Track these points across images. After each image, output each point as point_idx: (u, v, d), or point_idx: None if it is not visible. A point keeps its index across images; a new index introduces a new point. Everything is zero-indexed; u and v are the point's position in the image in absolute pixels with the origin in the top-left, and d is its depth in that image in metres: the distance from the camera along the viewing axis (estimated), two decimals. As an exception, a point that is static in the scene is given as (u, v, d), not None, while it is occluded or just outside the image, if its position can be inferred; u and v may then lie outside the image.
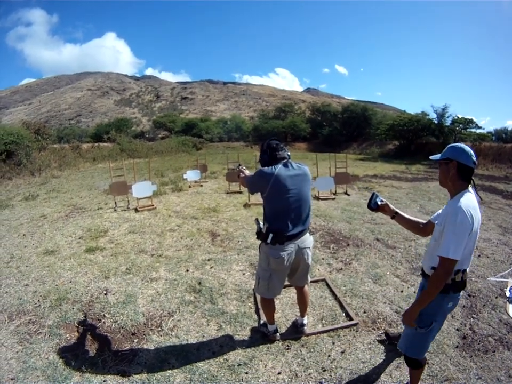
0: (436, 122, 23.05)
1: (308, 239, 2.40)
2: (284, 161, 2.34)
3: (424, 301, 1.70)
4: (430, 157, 1.88)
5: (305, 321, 2.71)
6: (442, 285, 1.63)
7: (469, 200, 1.64)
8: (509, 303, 3.15)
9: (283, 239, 2.25)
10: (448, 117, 22.66)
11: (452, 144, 1.76)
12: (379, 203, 2.06)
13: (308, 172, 2.39)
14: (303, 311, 2.72)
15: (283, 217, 2.27)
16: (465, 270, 1.71)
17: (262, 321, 2.76)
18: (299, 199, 2.28)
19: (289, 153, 2.44)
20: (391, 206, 2.09)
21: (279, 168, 2.27)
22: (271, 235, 2.26)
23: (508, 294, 3.34)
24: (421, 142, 24.10)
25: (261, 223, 2.38)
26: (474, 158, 1.68)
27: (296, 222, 2.29)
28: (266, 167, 2.33)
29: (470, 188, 1.71)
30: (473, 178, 1.72)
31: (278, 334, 2.63)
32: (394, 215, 2.08)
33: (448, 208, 1.70)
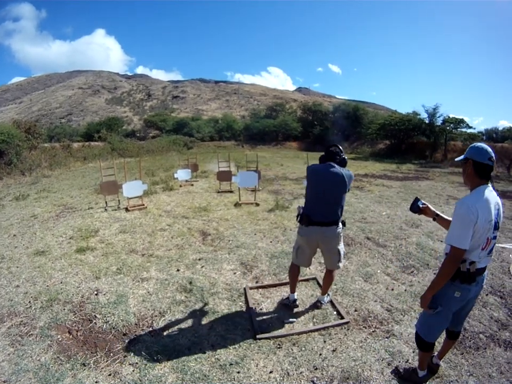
0: (426, 122, 23.31)
1: (329, 231, 2.72)
2: (327, 162, 2.71)
3: (433, 286, 1.84)
4: (456, 159, 1.96)
5: (324, 299, 3.10)
6: (451, 272, 1.77)
7: (480, 196, 1.73)
8: None
9: (306, 222, 2.72)
10: (439, 117, 22.97)
11: (472, 145, 1.85)
12: (420, 206, 2.23)
13: (340, 176, 2.63)
14: (324, 290, 3.10)
15: (309, 205, 2.77)
16: (474, 262, 1.78)
17: (285, 296, 3.20)
18: (325, 194, 2.66)
19: (344, 157, 2.78)
20: (432, 209, 2.22)
21: (316, 166, 2.77)
22: (299, 216, 2.80)
23: None
24: (412, 142, 24.37)
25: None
26: (490, 155, 1.75)
27: (319, 212, 2.69)
28: (314, 164, 2.84)
29: (489, 184, 1.80)
30: (491, 174, 1.79)
31: (297, 303, 3.08)
32: (435, 217, 2.21)
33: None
